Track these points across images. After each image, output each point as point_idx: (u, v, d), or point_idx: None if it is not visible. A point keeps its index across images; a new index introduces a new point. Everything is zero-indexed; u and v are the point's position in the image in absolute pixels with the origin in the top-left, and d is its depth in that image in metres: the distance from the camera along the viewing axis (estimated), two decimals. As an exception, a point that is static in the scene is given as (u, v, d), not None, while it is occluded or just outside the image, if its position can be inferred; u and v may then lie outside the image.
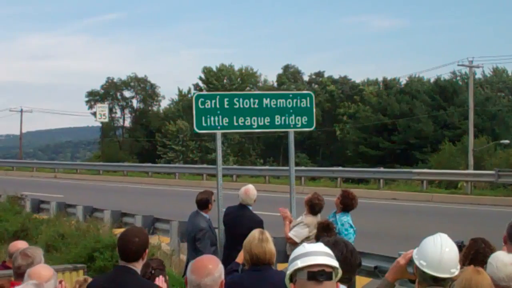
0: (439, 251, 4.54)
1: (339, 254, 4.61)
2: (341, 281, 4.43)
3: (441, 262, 4.53)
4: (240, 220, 10.27)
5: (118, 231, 16.00)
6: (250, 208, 10.60)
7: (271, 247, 6.10)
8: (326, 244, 4.64)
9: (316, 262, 3.89)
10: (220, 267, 4.21)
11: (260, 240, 6.22)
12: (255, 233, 6.42)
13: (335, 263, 3.96)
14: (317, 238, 8.71)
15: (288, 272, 3.97)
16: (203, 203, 10.44)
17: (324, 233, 8.88)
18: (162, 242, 16.99)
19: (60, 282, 5.97)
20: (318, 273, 3.88)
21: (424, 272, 4.57)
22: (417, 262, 4.59)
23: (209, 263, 4.19)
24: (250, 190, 10.65)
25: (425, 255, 4.57)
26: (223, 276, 4.19)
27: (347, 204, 10.72)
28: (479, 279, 4.94)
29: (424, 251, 4.59)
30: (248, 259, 6.12)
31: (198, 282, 4.08)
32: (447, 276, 4.57)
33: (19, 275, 5.91)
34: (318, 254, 3.92)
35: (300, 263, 3.91)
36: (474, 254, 6.22)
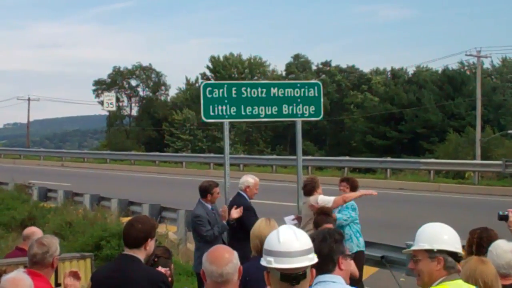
0: (450, 228, 4.59)
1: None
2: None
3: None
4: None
5: (125, 220, 16.03)
6: (241, 194, 10.65)
7: None
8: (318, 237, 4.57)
9: (291, 267, 3.86)
10: (236, 254, 4.19)
11: (268, 226, 6.24)
12: (262, 219, 6.44)
13: (310, 260, 3.93)
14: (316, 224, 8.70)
15: (261, 263, 3.96)
16: (202, 190, 10.41)
17: (322, 216, 8.83)
18: (169, 231, 17.01)
19: (75, 273, 6.01)
20: (291, 277, 3.86)
21: (456, 256, 4.52)
22: (451, 249, 4.49)
23: (225, 252, 4.17)
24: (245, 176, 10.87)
25: (457, 239, 4.54)
26: (239, 263, 4.19)
27: (356, 186, 10.95)
28: (484, 269, 4.97)
29: (455, 238, 4.53)
30: (258, 244, 6.07)
31: (220, 272, 4.05)
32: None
33: (34, 263, 6.00)
34: (293, 255, 3.87)
35: (274, 263, 3.88)
36: (478, 243, 6.19)
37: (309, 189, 10.72)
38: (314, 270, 4.01)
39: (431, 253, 4.50)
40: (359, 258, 10.47)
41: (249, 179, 10.68)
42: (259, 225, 6.34)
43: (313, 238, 4.41)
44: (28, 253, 6.15)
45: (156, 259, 6.32)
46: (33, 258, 6.02)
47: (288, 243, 3.91)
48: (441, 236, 4.53)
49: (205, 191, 10.35)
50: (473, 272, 4.96)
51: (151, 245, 5.72)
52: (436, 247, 4.49)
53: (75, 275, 5.99)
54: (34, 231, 8.13)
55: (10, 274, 5.03)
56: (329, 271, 4.34)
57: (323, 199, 10.46)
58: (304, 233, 4.06)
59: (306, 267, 3.91)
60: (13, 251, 8.83)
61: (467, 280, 4.76)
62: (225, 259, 4.10)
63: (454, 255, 4.50)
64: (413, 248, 4.62)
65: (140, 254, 5.64)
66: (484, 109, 50.64)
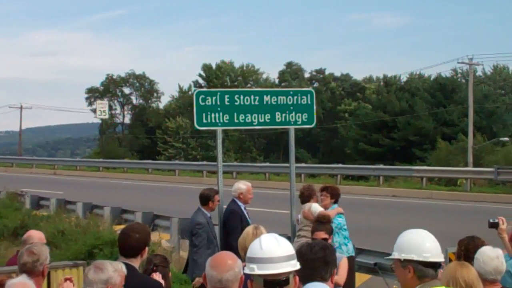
0: (432, 240, 4.54)
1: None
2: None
3: (438, 248, 4.54)
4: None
5: (118, 228, 16.01)
6: (235, 200, 10.80)
7: None
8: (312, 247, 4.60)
9: (273, 272, 3.87)
10: (239, 263, 4.15)
11: (254, 235, 6.18)
12: (249, 229, 6.39)
13: (293, 266, 3.94)
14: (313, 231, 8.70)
15: (244, 272, 3.96)
16: (203, 198, 10.52)
17: (315, 223, 8.84)
18: (162, 239, 16.98)
19: (69, 279, 6.01)
20: (274, 283, 3.87)
21: (427, 264, 4.47)
22: (418, 259, 4.47)
23: (228, 259, 4.12)
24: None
25: (426, 248, 4.49)
26: (242, 272, 4.17)
27: (338, 194, 10.93)
28: (464, 271, 5.02)
29: (422, 246, 4.49)
30: (243, 256, 6.08)
31: (219, 278, 4.02)
32: (443, 259, 4.58)
33: (25, 271, 6.01)
34: (276, 261, 3.89)
35: (257, 269, 3.90)
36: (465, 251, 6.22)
37: (306, 196, 10.80)
38: (297, 277, 4.03)
39: (402, 262, 4.53)
40: (349, 264, 10.45)
41: (241, 185, 10.81)
42: (246, 237, 6.28)
43: (313, 245, 4.47)
44: (18, 261, 6.16)
45: (154, 268, 6.36)
46: (23, 267, 6.04)
47: (270, 249, 3.93)
48: (411, 244, 4.53)
49: (207, 199, 10.49)
50: (453, 274, 5.01)
51: (146, 252, 5.81)
52: (403, 256, 4.52)
53: (70, 281, 6.00)
54: (30, 235, 8.13)
55: (15, 279, 5.06)
56: (322, 279, 4.37)
57: (315, 208, 10.50)
58: (286, 240, 4.08)
59: (289, 272, 3.92)
60: (13, 256, 8.84)
61: (448, 284, 4.82)
62: (227, 266, 4.07)
63: (427, 263, 4.47)
64: (389, 257, 4.66)
65: (136, 262, 5.69)
66: (476, 116, 50.75)
